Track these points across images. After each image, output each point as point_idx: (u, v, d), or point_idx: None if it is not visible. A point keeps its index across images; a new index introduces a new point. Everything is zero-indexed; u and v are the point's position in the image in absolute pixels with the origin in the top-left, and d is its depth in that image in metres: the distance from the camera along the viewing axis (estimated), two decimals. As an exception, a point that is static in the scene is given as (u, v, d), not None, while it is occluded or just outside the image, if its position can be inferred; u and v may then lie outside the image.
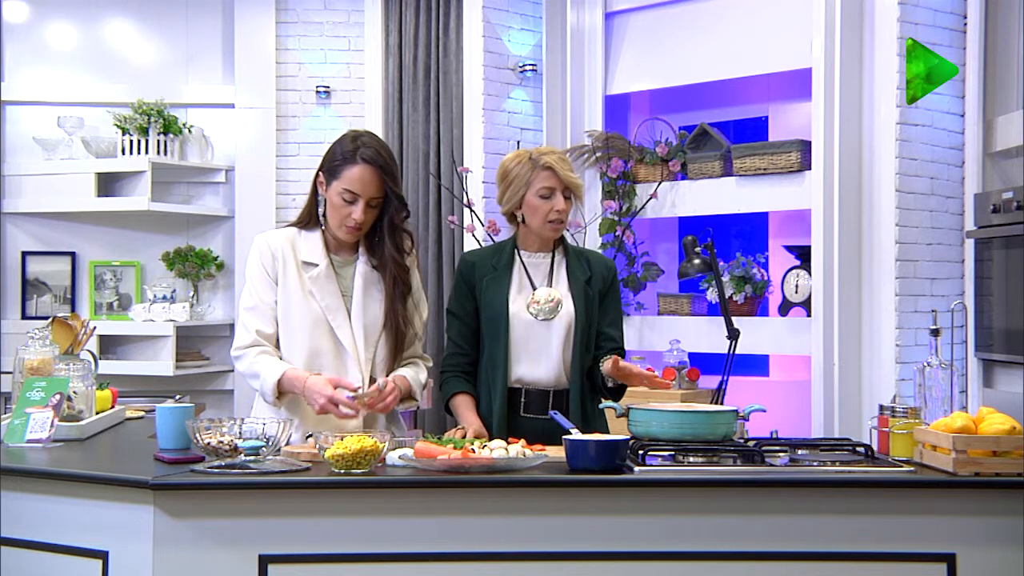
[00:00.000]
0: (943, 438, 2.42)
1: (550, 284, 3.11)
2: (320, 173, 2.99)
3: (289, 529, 2.33)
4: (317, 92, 5.75)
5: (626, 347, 3.24)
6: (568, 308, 3.07)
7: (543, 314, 3.06)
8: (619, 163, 5.21)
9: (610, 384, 3.03)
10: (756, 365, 5.29)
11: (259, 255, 2.99)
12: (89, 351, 3.45)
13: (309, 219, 3.05)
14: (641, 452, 2.50)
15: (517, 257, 3.14)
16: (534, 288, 3.09)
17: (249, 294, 3.00)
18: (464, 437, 2.85)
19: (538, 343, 3.06)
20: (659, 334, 5.14)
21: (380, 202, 2.95)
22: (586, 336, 3.08)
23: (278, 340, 2.98)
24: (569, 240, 3.57)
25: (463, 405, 3.10)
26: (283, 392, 2.90)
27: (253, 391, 3.01)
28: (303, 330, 2.95)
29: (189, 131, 5.69)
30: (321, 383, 2.83)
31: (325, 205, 2.98)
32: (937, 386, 2.71)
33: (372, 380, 2.94)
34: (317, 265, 2.98)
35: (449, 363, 3.17)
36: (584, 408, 3.03)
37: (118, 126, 5.56)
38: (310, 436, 2.64)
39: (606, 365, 2.94)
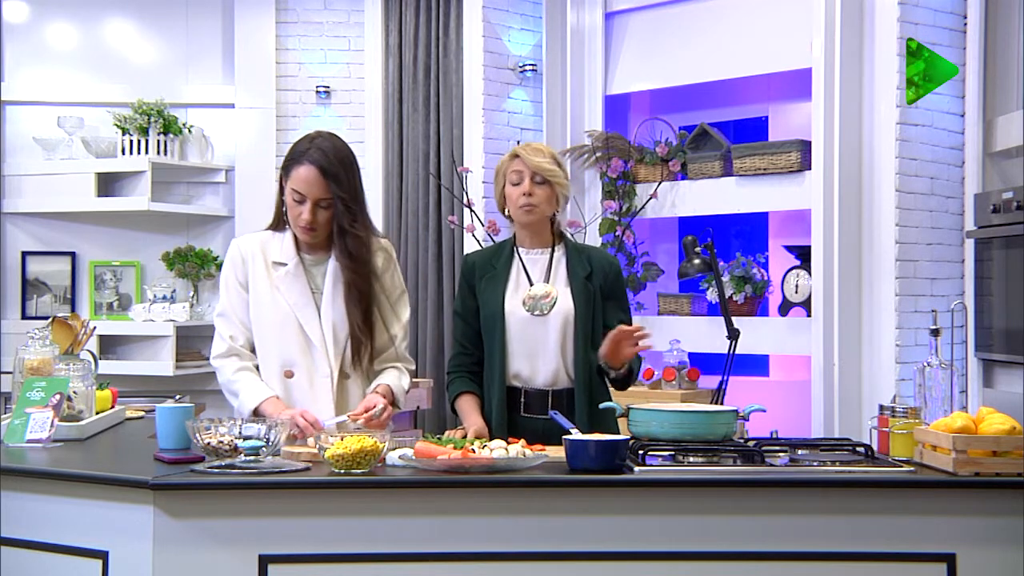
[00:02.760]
0: (943, 438, 2.42)
1: (547, 280, 3.09)
2: (280, 171, 2.99)
3: (289, 529, 2.33)
4: (317, 92, 5.75)
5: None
6: (565, 304, 3.05)
7: (537, 309, 3.05)
8: (619, 163, 5.21)
9: (612, 375, 2.99)
10: (756, 365, 5.29)
11: (230, 261, 3.02)
12: (89, 351, 3.45)
13: (279, 221, 3.04)
14: (641, 452, 2.50)
15: (516, 255, 3.15)
16: (531, 284, 3.09)
17: (220, 301, 3.04)
18: (464, 437, 2.85)
19: (534, 340, 3.05)
20: (659, 334, 5.12)
21: (331, 203, 2.91)
22: (589, 333, 3.05)
23: (252, 346, 2.99)
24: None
25: (467, 405, 3.10)
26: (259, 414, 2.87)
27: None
28: (272, 328, 2.95)
29: (189, 131, 5.69)
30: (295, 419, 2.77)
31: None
32: (937, 386, 2.71)
33: (343, 375, 2.95)
34: (286, 264, 2.98)
35: (455, 363, 3.18)
36: (591, 408, 2.99)
37: (118, 126, 5.56)
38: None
39: (602, 349, 2.93)
